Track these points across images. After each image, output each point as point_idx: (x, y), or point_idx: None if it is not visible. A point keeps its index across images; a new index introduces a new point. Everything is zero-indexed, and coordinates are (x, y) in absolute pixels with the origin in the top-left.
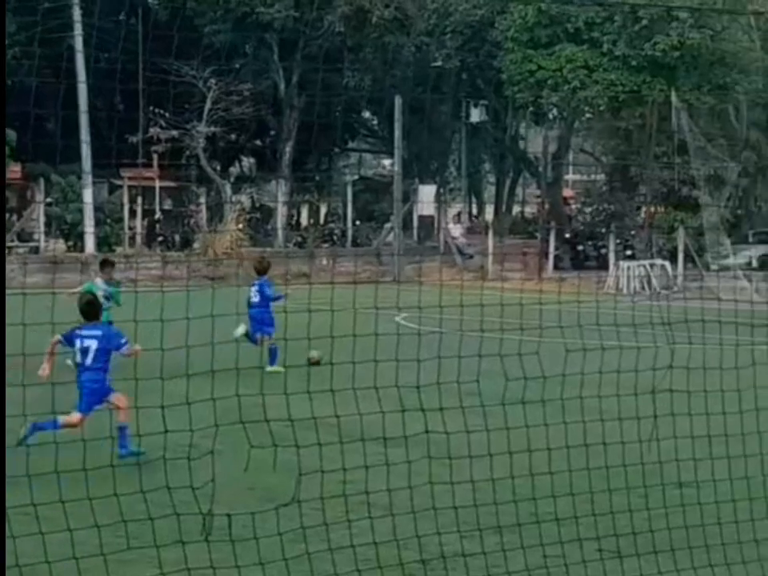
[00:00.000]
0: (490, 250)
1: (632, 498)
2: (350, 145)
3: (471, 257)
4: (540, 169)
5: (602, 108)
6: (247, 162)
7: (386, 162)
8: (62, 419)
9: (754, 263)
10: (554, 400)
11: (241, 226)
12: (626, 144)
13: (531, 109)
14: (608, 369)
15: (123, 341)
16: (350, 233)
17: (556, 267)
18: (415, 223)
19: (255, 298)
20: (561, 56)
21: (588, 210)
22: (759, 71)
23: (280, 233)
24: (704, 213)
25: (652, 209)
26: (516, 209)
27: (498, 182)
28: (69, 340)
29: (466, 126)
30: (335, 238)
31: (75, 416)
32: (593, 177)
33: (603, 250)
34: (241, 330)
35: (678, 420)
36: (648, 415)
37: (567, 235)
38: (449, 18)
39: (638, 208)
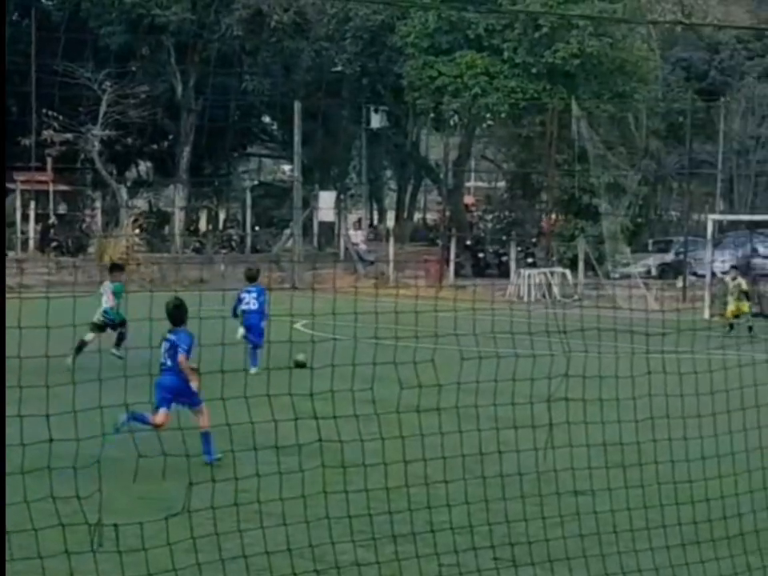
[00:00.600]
0: (391, 256)
1: (527, 506)
2: (249, 150)
3: (372, 263)
4: (441, 176)
5: (502, 115)
6: (144, 166)
7: (286, 167)
8: (150, 417)
9: (653, 272)
10: (450, 408)
11: (137, 231)
12: (527, 151)
13: (432, 115)
14: (504, 377)
15: (185, 346)
16: (248, 239)
17: (457, 274)
18: (315, 229)
19: (253, 306)
20: (461, 62)
21: (489, 217)
22: (658, 80)
23: (177, 238)
24: (604, 221)
25: (553, 217)
26: (417, 215)
27: (399, 188)
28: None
29: (367, 131)
30: (234, 243)
31: (161, 414)
32: (494, 184)
33: (504, 258)
34: (241, 331)
35: (574, 428)
36: (543, 424)
37: (468, 242)
38: (348, 22)
39: (540, 216)
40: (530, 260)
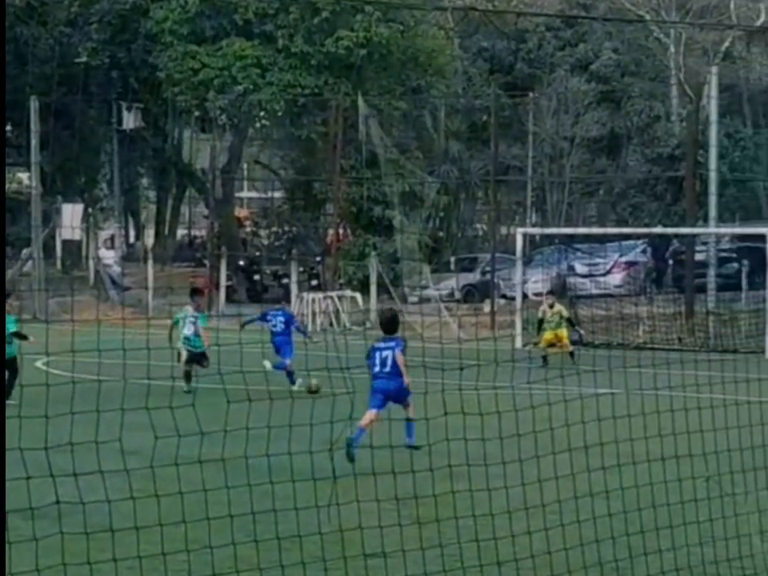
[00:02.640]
0: (150, 281)
1: (309, 571)
2: None
3: (127, 289)
4: (208, 185)
5: (279, 113)
6: None
7: (23, 176)
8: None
9: (457, 294)
10: (215, 460)
11: None
12: (308, 156)
13: (196, 114)
14: (279, 422)
15: (401, 348)
16: None
17: (229, 300)
18: (59, 250)
19: (278, 327)
20: (228, 52)
21: (266, 232)
22: (457, 73)
23: None
24: (399, 236)
25: (340, 232)
26: (181, 232)
27: (158, 200)
28: (370, 355)
29: (119, 133)
30: None
31: (371, 413)
32: (270, 194)
33: (284, 280)
34: (268, 365)
35: (361, 480)
36: (326, 476)
37: (242, 263)
38: (94, 5)
39: (325, 231)
40: (314, 282)
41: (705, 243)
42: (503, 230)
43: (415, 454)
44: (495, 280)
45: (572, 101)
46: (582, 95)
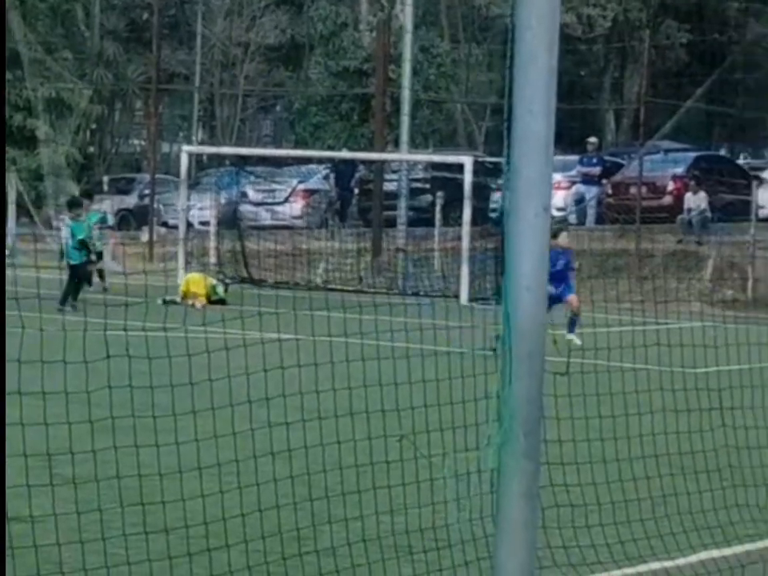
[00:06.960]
0: None
1: None
2: None
3: None
4: None
5: None
6: None
7: None
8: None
9: (111, 220)
10: None
11: None
12: None
13: None
14: None
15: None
16: None
17: None
18: None
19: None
20: None
21: None
22: None
23: None
24: (44, 150)
25: None
26: None
27: None
28: None
29: None
30: None
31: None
32: None
33: None
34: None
35: (10, 430)
36: None
37: None
38: None
39: None
40: None
41: (395, 171)
42: (165, 148)
43: (72, 405)
44: (155, 205)
45: (247, 2)
46: None
